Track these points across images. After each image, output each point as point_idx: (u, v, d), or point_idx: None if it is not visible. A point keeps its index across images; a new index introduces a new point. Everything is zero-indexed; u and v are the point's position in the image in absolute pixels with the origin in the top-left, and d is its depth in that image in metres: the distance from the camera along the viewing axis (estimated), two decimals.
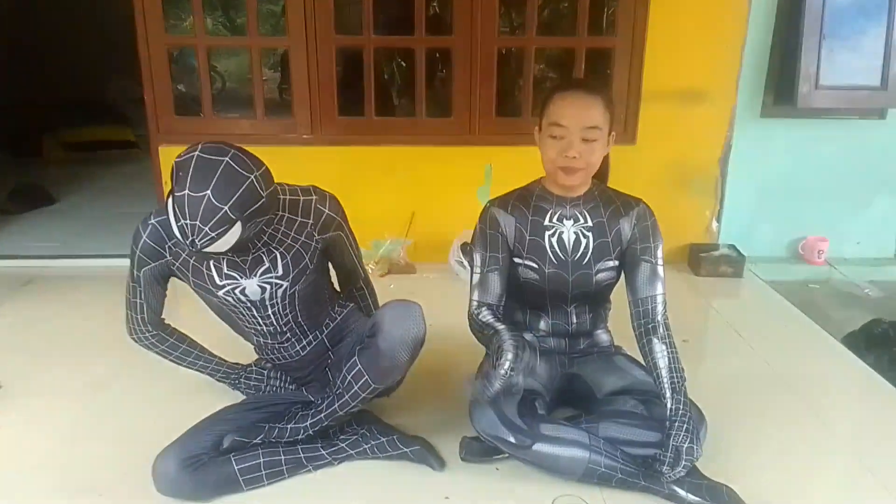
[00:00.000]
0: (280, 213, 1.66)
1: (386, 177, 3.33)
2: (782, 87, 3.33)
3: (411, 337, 1.64)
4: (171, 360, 1.90)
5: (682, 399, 1.70)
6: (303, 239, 1.70)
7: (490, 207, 1.88)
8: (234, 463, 1.67)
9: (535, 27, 3.34)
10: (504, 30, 4.96)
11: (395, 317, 1.65)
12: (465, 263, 3.18)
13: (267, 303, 1.72)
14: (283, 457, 1.73)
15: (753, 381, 2.33)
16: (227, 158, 1.42)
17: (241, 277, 1.67)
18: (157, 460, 1.63)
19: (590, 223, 1.84)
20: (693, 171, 3.39)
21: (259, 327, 1.78)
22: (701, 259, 3.33)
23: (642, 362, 1.89)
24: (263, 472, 1.69)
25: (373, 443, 1.81)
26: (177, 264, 1.69)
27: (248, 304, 1.72)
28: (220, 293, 1.69)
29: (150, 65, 3.22)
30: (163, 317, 1.86)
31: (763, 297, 3.16)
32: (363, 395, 1.69)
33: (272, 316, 1.75)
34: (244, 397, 1.92)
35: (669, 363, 1.74)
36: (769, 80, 3.36)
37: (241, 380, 1.92)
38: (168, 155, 3.28)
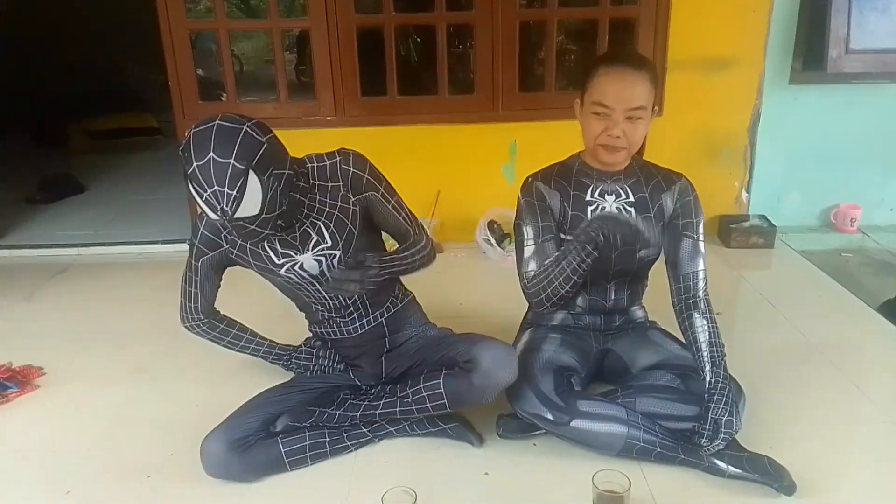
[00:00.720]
0: (312, 181, 1.67)
1: (410, 156, 3.33)
2: (811, 52, 3.25)
3: (505, 382, 1.67)
4: (222, 346, 1.93)
5: (722, 373, 1.70)
6: (340, 203, 1.71)
7: (533, 181, 1.85)
8: (280, 445, 1.70)
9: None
10: (524, 3, 4.90)
11: (497, 361, 1.65)
12: (493, 241, 3.18)
13: (327, 274, 1.73)
14: (327, 438, 1.76)
15: (789, 351, 2.31)
16: (216, 121, 1.44)
17: (296, 254, 1.71)
18: (205, 442, 1.67)
19: (632, 198, 1.82)
20: (721, 141, 3.35)
21: (325, 301, 1.80)
22: (731, 230, 3.29)
23: (676, 336, 1.89)
24: (308, 454, 1.73)
25: (412, 419, 1.83)
26: (235, 252, 1.73)
27: (310, 279, 1.74)
28: (282, 272, 1.73)
29: (173, 51, 3.22)
30: (216, 308, 1.90)
31: (795, 267, 3.13)
32: (432, 412, 1.72)
33: None
34: (286, 379, 1.94)
35: (710, 337, 1.74)
36: (798, 46, 3.28)
37: (292, 360, 1.94)
38: None
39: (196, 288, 1.80)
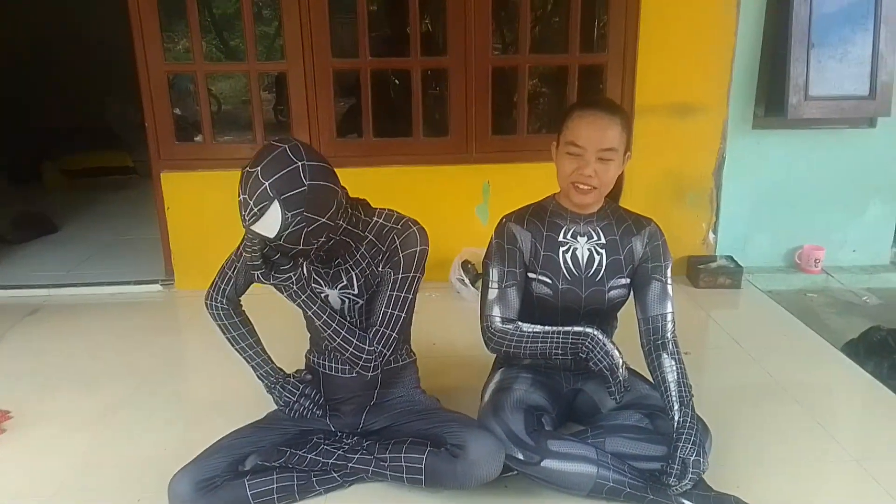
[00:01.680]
0: (368, 234, 1.72)
1: (385, 197, 3.31)
2: (772, 98, 3.38)
3: (488, 477, 1.68)
4: (226, 338, 1.90)
5: (690, 412, 1.73)
6: (374, 266, 1.74)
7: (507, 222, 1.89)
8: (247, 487, 1.69)
9: (528, 45, 3.40)
10: (496, 47, 5.02)
11: (486, 455, 1.66)
12: (467, 281, 3.22)
13: (346, 313, 1.78)
14: (295, 481, 1.75)
15: (755, 391, 2.36)
16: (284, 146, 1.51)
17: (325, 287, 1.76)
18: (172, 482, 1.65)
19: (603, 240, 1.87)
20: (688, 184, 3.44)
21: None
22: (699, 271, 3.36)
23: (646, 377, 1.93)
24: (276, 496, 1.72)
25: (382, 465, 1.82)
26: None
27: (334, 311, 1.75)
28: (304, 297, 1.71)
29: (150, 92, 3.26)
30: (240, 300, 1.91)
31: (762, 307, 3.20)
32: (405, 483, 1.73)
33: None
34: (257, 417, 1.93)
35: (678, 377, 1.78)
36: (759, 92, 3.41)
37: (278, 387, 1.88)
38: (169, 181, 3.32)
39: (233, 272, 1.83)
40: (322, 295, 1.75)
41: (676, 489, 1.66)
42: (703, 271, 3.36)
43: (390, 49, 3.78)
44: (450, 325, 2.96)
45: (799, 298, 3.41)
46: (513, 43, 4.75)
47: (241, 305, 1.92)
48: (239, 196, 1.51)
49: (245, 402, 2.05)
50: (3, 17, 6.50)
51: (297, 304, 1.68)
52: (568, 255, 1.85)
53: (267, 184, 1.47)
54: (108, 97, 6.59)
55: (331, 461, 1.78)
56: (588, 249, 1.86)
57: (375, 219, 1.73)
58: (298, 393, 1.87)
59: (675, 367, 1.79)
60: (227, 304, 1.87)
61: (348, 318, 1.78)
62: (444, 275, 3.30)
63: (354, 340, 1.71)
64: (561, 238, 1.86)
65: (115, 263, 3.80)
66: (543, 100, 5.09)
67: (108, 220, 4.85)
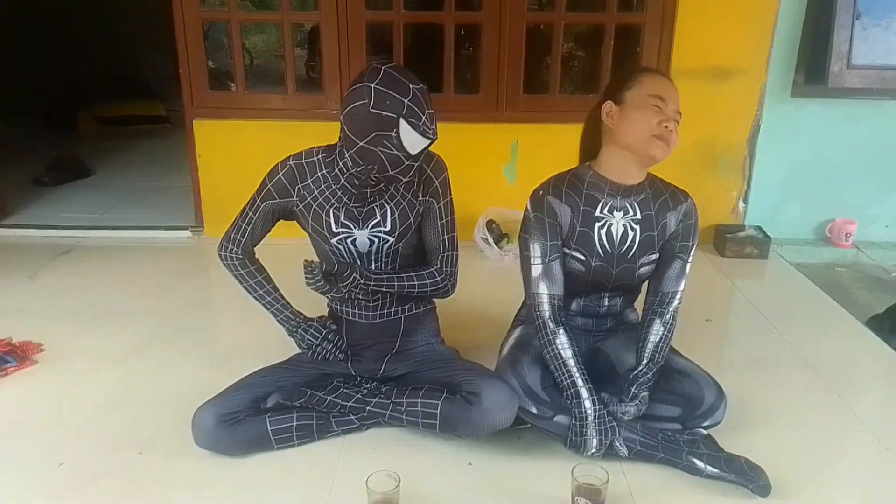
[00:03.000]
0: None
1: None
2: (814, 66, 3.28)
3: (500, 424, 1.71)
4: (243, 287, 1.92)
5: (653, 371, 1.80)
6: (409, 197, 1.81)
7: (545, 196, 1.84)
8: (268, 423, 1.74)
9: (565, 3, 3.34)
10: (532, 7, 4.93)
11: (499, 402, 1.70)
12: (491, 241, 3.22)
13: (373, 256, 1.82)
14: (314, 421, 1.80)
15: (775, 360, 2.35)
16: (387, 67, 1.65)
17: (355, 228, 1.79)
18: (197, 414, 1.72)
19: (639, 216, 1.83)
20: (721, 151, 3.38)
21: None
22: (726, 240, 3.33)
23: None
24: (295, 434, 1.77)
25: (399, 410, 1.87)
26: (300, 206, 1.81)
27: (356, 255, 1.82)
28: (334, 241, 1.80)
29: (185, 40, 3.27)
30: (254, 249, 1.94)
31: (788, 278, 3.16)
32: (420, 427, 1.78)
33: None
34: (281, 359, 1.97)
35: (659, 341, 1.83)
36: (800, 59, 3.32)
37: (300, 330, 1.91)
38: (202, 128, 3.36)
39: (248, 224, 1.85)
40: (349, 240, 1.79)
41: (622, 414, 1.74)
42: (731, 240, 3.32)
43: (425, 2, 3.73)
44: (473, 283, 2.95)
45: (827, 272, 3.36)
46: (550, 2, 4.65)
47: (255, 254, 1.94)
48: (419, 121, 1.60)
49: (269, 344, 2.09)
50: None
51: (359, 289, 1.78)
52: (603, 232, 1.83)
53: (424, 86, 1.63)
54: (146, 50, 6.64)
55: (349, 404, 1.83)
56: (623, 225, 1.83)
57: None
58: (321, 337, 1.91)
59: (661, 333, 1.84)
60: (241, 253, 1.89)
61: (375, 261, 1.82)
62: (469, 234, 3.30)
63: (418, 282, 1.84)
64: (598, 213, 1.82)
65: (147, 209, 3.88)
66: (576, 62, 5.00)
67: (141, 166, 4.94)
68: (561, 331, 1.80)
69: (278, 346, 2.04)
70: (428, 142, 1.66)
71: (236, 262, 1.90)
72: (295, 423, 1.77)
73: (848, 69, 3.21)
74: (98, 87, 6.21)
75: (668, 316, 1.85)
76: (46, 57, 6.57)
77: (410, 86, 1.61)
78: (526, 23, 3.28)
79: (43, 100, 6.19)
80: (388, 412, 1.80)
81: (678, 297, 1.87)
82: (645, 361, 1.81)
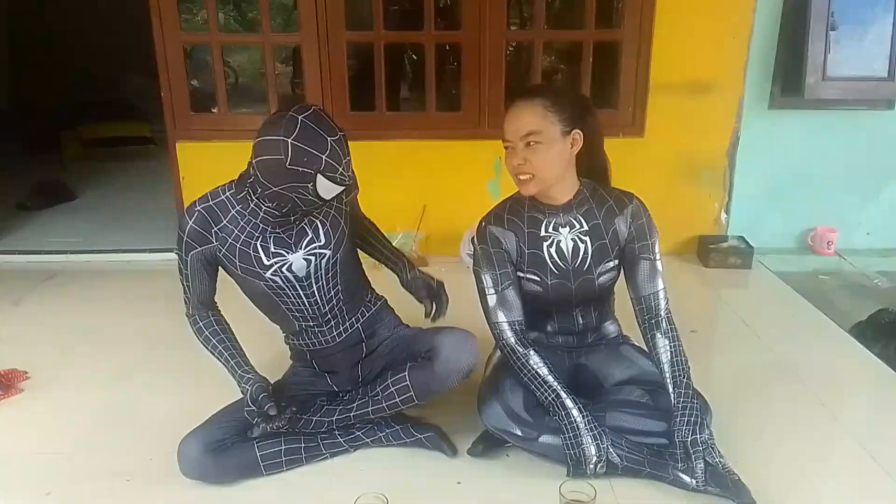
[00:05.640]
0: None
1: (397, 171, 3.39)
2: (790, 78, 3.33)
3: (466, 367, 1.74)
4: (208, 351, 1.86)
5: (684, 391, 1.76)
6: (336, 203, 1.80)
7: (486, 226, 1.86)
8: (256, 449, 1.74)
9: (545, 20, 3.38)
10: (514, 22, 4.99)
11: (454, 346, 1.74)
12: None
13: (312, 277, 1.78)
14: (302, 444, 1.80)
15: (760, 370, 2.37)
16: (315, 109, 1.62)
17: (288, 253, 1.75)
18: (182, 444, 1.71)
19: (586, 227, 1.83)
20: (701, 163, 3.42)
21: (303, 308, 1.81)
22: (710, 250, 3.36)
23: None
24: (283, 459, 1.77)
25: (388, 430, 1.88)
26: (223, 250, 1.73)
27: (294, 283, 1.77)
28: (268, 274, 1.74)
29: (166, 63, 3.28)
30: (216, 303, 1.89)
31: (772, 287, 3.19)
32: (402, 406, 1.78)
33: (316, 293, 1.80)
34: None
35: (672, 357, 1.80)
36: (776, 72, 3.37)
37: (250, 396, 1.73)
38: (185, 151, 3.36)
39: (189, 283, 1.78)
40: (284, 267, 1.75)
41: (696, 482, 1.67)
42: (714, 251, 3.35)
43: (406, 23, 3.77)
44: (459, 299, 2.97)
45: (810, 280, 3.39)
46: (530, 18, 4.71)
47: (214, 314, 1.87)
48: (339, 165, 1.57)
49: (257, 369, 2.08)
50: None
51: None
52: (553, 249, 1.83)
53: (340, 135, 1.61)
54: (130, 71, 6.63)
55: (335, 418, 1.83)
56: (572, 240, 1.83)
57: None
58: (265, 414, 1.70)
59: (668, 347, 1.81)
60: (205, 312, 1.83)
61: (315, 281, 1.79)
62: (455, 250, 3.32)
63: (397, 258, 2.04)
64: (543, 232, 1.83)
65: (131, 231, 3.86)
66: (558, 76, 5.06)
67: (126, 189, 4.92)
68: (531, 352, 1.81)
69: (266, 372, 2.01)
70: (343, 187, 1.64)
71: (194, 328, 1.84)
72: (283, 448, 1.77)
73: (823, 80, 3.26)
74: (82, 109, 6.18)
75: (664, 324, 1.83)
76: (29, 79, 6.53)
77: (328, 139, 1.55)
78: (505, 40, 3.31)
79: (26, 122, 6.16)
80: (371, 408, 1.80)
81: (661, 297, 1.85)
82: (671, 389, 1.77)
